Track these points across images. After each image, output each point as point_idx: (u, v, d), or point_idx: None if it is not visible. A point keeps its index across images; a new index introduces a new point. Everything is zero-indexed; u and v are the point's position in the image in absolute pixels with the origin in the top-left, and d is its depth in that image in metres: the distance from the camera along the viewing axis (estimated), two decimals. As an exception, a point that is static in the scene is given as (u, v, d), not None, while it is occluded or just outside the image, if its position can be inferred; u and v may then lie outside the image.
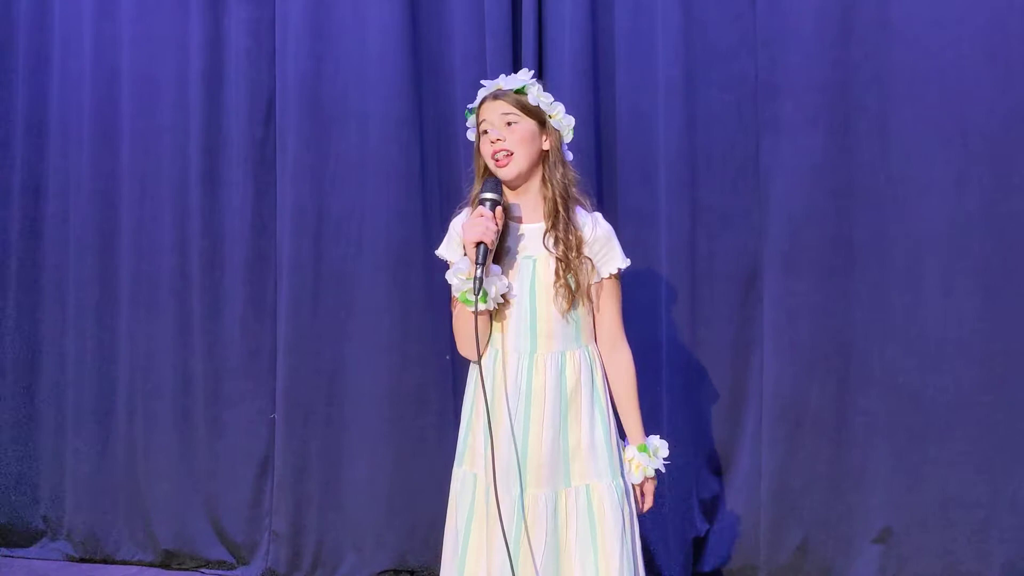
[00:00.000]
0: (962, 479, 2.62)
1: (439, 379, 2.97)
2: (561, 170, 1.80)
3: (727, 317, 2.83)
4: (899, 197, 2.68)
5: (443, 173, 3.01)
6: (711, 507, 2.86)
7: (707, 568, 2.83)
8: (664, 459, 1.84)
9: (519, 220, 1.83)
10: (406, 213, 2.97)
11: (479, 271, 1.67)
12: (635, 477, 1.82)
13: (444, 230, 2.95)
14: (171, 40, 3.18)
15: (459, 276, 1.71)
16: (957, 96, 2.64)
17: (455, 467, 1.87)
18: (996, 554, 2.60)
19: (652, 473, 1.83)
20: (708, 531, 2.85)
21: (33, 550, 3.28)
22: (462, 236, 1.73)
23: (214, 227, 3.13)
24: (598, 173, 2.86)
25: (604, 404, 1.82)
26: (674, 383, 2.82)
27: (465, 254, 1.73)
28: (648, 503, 1.85)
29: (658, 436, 1.86)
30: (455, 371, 2.96)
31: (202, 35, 3.13)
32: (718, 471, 2.87)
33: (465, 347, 1.83)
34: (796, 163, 2.75)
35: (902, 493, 2.67)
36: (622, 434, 1.87)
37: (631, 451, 1.83)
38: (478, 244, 1.68)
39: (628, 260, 1.84)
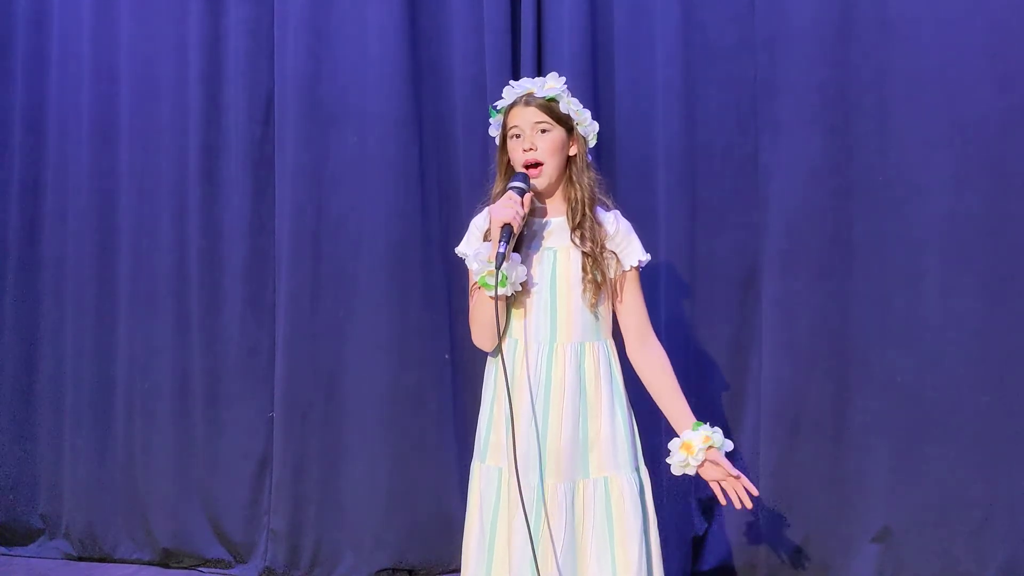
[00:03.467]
0: (961, 479, 2.62)
1: (438, 378, 2.96)
2: (588, 173, 1.86)
3: (726, 316, 2.83)
4: (898, 197, 2.68)
5: (441, 172, 3.01)
6: (710, 506, 2.86)
7: (706, 567, 2.83)
8: (728, 447, 1.78)
9: (542, 214, 1.87)
10: (405, 212, 2.97)
11: (502, 247, 1.70)
12: (695, 459, 1.76)
13: (443, 229, 3.00)
14: (170, 39, 3.18)
15: (480, 260, 1.75)
16: (956, 96, 2.63)
17: (475, 462, 1.86)
18: (994, 554, 2.60)
19: (719, 443, 1.76)
20: (707, 530, 2.85)
21: (31, 548, 3.28)
22: (490, 216, 1.76)
23: (213, 226, 3.13)
24: (596, 172, 2.85)
25: (624, 397, 1.83)
26: (672, 382, 2.82)
27: (486, 240, 1.79)
28: (726, 472, 1.75)
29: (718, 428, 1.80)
30: (454, 370, 2.96)
31: (201, 34, 3.13)
32: (717, 470, 2.87)
33: (480, 336, 1.84)
34: (795, 163, 2.75)
35: (901, 493, 2.67)
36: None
37: (688, 433, 1.79)
38: (504, 226, 1.72)
39: (648, 255, 1.88)
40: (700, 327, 2.84)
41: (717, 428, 1.80)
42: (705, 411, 2.83)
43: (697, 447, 1.76)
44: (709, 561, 2.84)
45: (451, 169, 3.00)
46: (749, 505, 1.77)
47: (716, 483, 1.79)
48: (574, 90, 2.63)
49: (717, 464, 1.77)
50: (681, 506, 2.82)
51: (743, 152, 2.82)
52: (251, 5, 3.09)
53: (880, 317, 2.70)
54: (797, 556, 2.76)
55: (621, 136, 2.88)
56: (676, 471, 1.80)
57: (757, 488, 2.72)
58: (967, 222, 2.63)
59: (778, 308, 2.77)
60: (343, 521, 3.00)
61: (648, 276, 2.78)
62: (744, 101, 2.81)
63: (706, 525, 2.85)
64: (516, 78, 2.86)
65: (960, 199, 2.63)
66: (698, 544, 2.85)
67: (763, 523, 2.78)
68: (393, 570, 2.97)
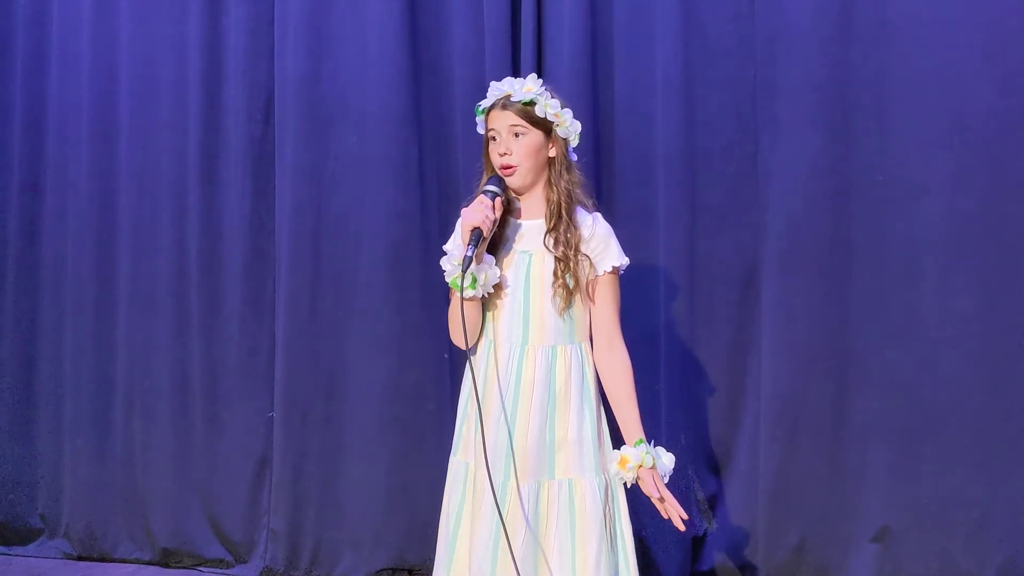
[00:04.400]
0: (960, 478, 2.62)
1: (437, 378, 2.97)
2: (566, 176, 1.86)
3: (725, 316, 2.83)
4: (897, 197, 2.68)
5: (441, 172, 3.01)
6: (709, 506, 2.87)
7: (705, 567, 2.84)
8: (668, 468, 1.82)
9: (519, 215, 1.88)
10: (404, 212, 2.97)
11: (470, 250, 1.72)
12: (627, 475, 1.80)
13: (442, 229, 3.00)
14: (170, 38, 3.18)
15: (452, 262, 1.77)
16: (956, 95, 2.64)
17: (451, 457, 1.91)
18: (993, 554, 2.61)
19: (649, 463, 1.79)
20: (707, 530, 2.86)
21: (31, 548, 3.28)
22: (461, 219, 1.78)
23: (212, 226, 3.13)
24: (596, 173, 2.85)
25: (594, 401, 1.84)
26: (672, 382, 2.82)
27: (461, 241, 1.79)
28: (654, 492, 1.79)
29: (663, 448, 1.85)
30: (453, 370, 2.96)
31: (201, 33, 3.13)
32: (716, 470, 2.87)
33: (454, 335, 1.87)
34: (794, 163, 2.75)
35: (900, 492, 2.67)
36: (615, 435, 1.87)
37: (626, 448, 1.82)
38: (473, 229, 1.73)
39: (627, 259, 1.88)
40: (700, 327, 2.84)
41: (659, 449, 1.82)
42: (705, 411, 2.85)
43: (628, 465, 1.79)
44: (708, 561, 2.84)
45: (450, 169, 3.00)
46: (682, 528, 1.81)
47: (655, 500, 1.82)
48: (574, 89, 2.63)
49: (644, 482, 1.80)
50: (680, 506, 2.81)
51: (743, 152, 2.82)
52: (251, 5, 3.09)
53: (879, 317, 2.70)
54: (796, 556, 2.76)
55: (621, 136, 2.88)
56: (617, 479, 1.83)
57: (757, 487, 2.77)
58: (966, 222, 2.63)
59: (778, 308, 2.77)
60: (343, 521, 3.00)
61: (648, 276, 2.81)
62: (744, 101, 2.81)
63: (706, 525, 2.86)
64: (516, 77, 2.88)
65: (960, 199, 2.63)
66: (698, 544, 2.85)
67: (762, 523, 2.78)
68: (393, 570, 2.97)
